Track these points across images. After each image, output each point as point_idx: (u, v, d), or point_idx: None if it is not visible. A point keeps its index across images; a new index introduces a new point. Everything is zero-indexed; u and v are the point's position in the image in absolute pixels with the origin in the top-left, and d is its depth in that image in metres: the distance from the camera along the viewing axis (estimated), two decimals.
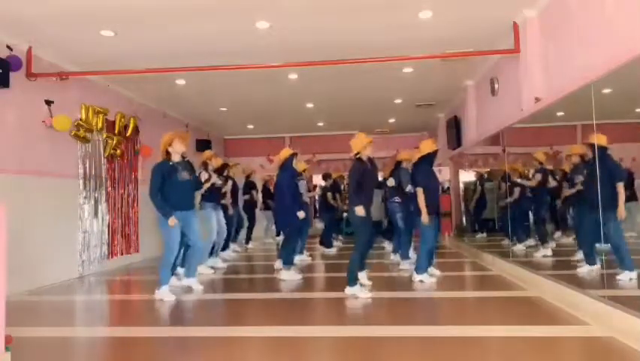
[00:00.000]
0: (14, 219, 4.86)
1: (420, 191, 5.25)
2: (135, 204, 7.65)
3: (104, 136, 6.97)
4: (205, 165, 6.43)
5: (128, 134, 7.50)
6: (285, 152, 6.00)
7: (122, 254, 7.29)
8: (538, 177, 5.82)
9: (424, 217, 5.21)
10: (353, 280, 4.59)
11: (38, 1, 4.48)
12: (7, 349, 2.37)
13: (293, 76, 7.25)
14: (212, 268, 6.36)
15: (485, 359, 2.88)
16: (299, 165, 7.98)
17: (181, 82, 7.44)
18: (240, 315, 4.18)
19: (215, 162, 6.76)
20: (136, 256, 7.59)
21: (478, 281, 5.50)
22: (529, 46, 5.24)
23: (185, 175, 4.76)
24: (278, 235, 9.30)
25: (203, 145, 10.73)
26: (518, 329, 3.30)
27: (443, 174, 11.44)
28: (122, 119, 7.36)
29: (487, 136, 7.10)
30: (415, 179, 5.43)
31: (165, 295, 4.64)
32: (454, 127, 9.01)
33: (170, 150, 4.75)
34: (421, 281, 5.18)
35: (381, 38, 5.68)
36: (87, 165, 6.55)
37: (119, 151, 7.22)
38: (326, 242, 8.45)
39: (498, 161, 7.23)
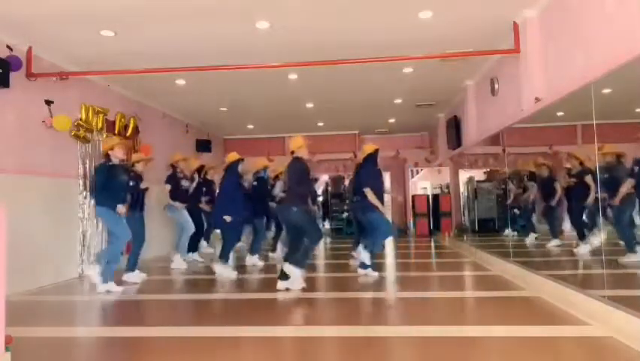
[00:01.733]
0: (14, 219, 4.88)
1: (368, 190, 5.47)
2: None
3: (104, 136, 6.97)
4: (173, 168, 6.93)
5: (128, 134, 7.50)
6: (232, 156, 6.17)
7: (121, 254, 7.26)
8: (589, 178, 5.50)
9: (381, 208, 5.48)
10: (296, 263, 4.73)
11: (38, 1, 4.48)
12: (7, 349, 2.37)
13: (293, 76, 7.25)
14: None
15: (485, 359, 2.88)
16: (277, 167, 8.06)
17: (181, 82, 7.44)
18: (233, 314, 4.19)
19: (186, 165, 7.18)
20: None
21: (478, 281, 5.50)
22: (529, 46, 5.24)
23: (125, 178, 5.30)
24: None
25: (203, 145, 10.74)
26: (518, 329, 3.30)
27: (443, 174, 11.47)
28: (122, 119, 7.36)
29: (487, 136, 7.10)
30: (361, 179, 5.65)
31: (112, 286, 5.10)
32: (454, 127, 9.01)
33: (110, 153, 5.20)
34: (366, 275, 5.43)
35: (381, 38, 5.68)
36: (87, 165, 6.55)
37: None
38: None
39: (498, 161, 7.22)
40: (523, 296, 4.34)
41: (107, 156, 5.23)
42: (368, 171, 5.69)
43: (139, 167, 6.05)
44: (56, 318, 4.29)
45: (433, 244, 9.77)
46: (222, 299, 4.87)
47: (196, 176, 7.66)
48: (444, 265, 6.91)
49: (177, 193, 6.91)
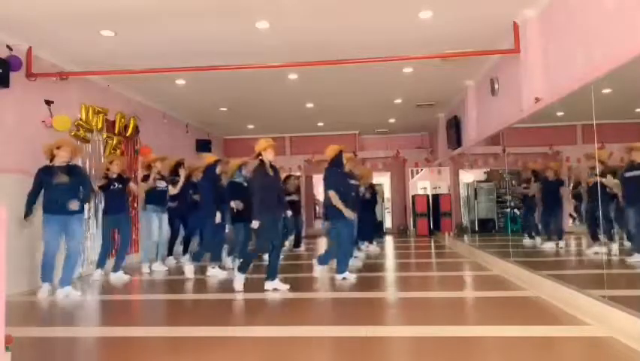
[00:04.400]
0: (14, 219, 4.89)
1: (332, 193, 5.42)
2: (135, 204, 7.64)
3: (104, 136, 6.97)
4: (148, 169, 6.78)
5: (128, 134, 7.51)
6: (209, 158, 6.22)
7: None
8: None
9: (346, 212, 5.35)
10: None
11: (38, 1, 4.48)
12: (7, 349, 2.37)
13: (293, 76, 7.25)
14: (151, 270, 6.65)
15: (485, 359, 2.87)
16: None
17: (181, 82, 7.44)
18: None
19: (162, 165, 6.94)
20: (136, 255, 7.58)
21: (477, 281, 5.50)
22: (529, 46, 5.24)
23: (61, 178, 4.91)
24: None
25: (203, 145, 10.73)
26: (518, 329, 3.29)
27: (443, 174, 11.47)
28: (122, 119, 7.36)
29: (487, 136, 7.10)
30: (326, 182, 5.58)
31: (44, 292, 4.89)
32: (454, 127, 9.01)
33: (55, 152, 5.00)
34: (344, 278, 5.38)
35: (381, 38, 5.68)
36: (87, 165, 6.55)
37: (118, 151, 7.22)
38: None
39: (498, 161, 7.22)
40: (524, 296, 4.34)
41: (52, 158, 5.03)
42: (332, 174, 5.55)
43: (115, 168, 6.08)
44: (56, 318, 4.29)
45: (433, 244, 9.77)
46: (216, 300, 4.87)
47: (180, 177, 7.16)
48: (444, 265, 6.91)
49: (152, 195, 6.68)
